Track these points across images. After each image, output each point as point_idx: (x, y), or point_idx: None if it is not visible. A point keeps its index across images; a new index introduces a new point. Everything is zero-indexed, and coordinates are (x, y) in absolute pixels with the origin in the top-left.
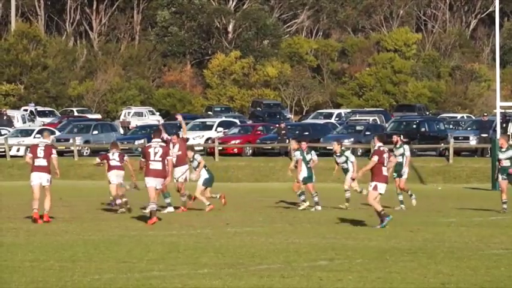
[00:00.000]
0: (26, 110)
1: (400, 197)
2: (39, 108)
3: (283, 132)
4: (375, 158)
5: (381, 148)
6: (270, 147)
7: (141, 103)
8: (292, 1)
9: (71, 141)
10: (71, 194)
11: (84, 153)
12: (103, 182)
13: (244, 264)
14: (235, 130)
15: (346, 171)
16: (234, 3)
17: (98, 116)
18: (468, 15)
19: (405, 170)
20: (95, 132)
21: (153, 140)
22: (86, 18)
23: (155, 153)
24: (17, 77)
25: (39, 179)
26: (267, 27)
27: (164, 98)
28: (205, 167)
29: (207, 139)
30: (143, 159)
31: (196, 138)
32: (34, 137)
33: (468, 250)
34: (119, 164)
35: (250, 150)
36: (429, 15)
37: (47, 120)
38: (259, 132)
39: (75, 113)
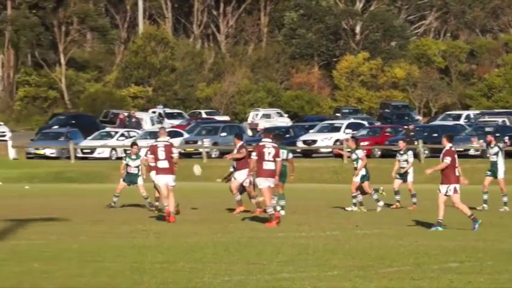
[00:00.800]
0: (154, 112)
1: (485, 196)
2: (168, 110)
3: (412, 134)
4: (448, 160)
5: (452, 148)
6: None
7: (269, 105)
8: (420, 2)
9: (199, 143)
10: (200, 196)
11: (213, 155)
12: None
13: (374, 267)
14: (363, 132)
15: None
16: (361, 5)
17: (226, 118)
18: None
19: (502, 170)
20: (223, 134)
21: (264, 140)
22: (213, 21)
23: (269, 153)
24: (145, 79)
25: (165, 179)
26: (395, 28)
27: (292, 100)
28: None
29: (336, 141)
30: (255, 158)
31: (325, 140)
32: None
33: None
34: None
35: (379, 152)
36: None
37: (176, 122)
38: (387, 134)
39: (204, 115)
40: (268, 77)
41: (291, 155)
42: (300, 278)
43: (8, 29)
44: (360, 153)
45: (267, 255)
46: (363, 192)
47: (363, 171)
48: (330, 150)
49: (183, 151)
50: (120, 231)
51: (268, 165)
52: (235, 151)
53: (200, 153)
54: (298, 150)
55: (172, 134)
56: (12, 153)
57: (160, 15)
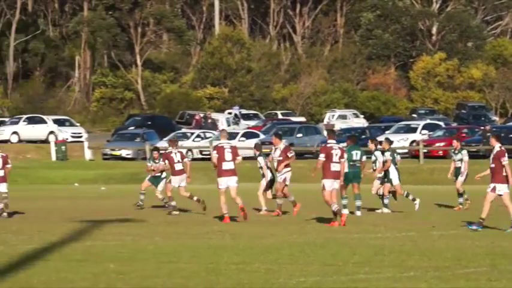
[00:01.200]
0: (230, 113)
1: None
2: (244, 111)
3: (489, 134)
4: (506, 159)
5: (502, 148)
6: (474, 150)
7: (345, 106)
8: (497, 3)
9: None
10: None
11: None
12: (309, 185)
13: (450, 268)
14: (439, 133)
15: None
16: (437, 6)
17: (302, 119)
18: None
19: None
20: (299, 135)
21: (330, 142)
22: (290, 21)
23: (336, 155)
24: (221, 81)
25: (228, 181)
26: (471, 29)
27: (368, 100)
28: (269, 168)
29: (412, 142)
30: (323, 159)
31: (401, 140)
32: (238, 140)
33: None
34: (181, 167)
35: None
36: None
37: (251, 123)
38: (464, 135)
39: (280, 116)
40: (345, 78)
41: (364, 157)
42: (376, 279)
43: (85, 30)
44: (385, 156)
45: (342, 256)
46: (389, 194)
47: (396, 175)
48: (406, 151)
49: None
50: (195, 232)
51: (335, 167)
52: (278, 152)
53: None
54: None
55: (248, 135)
56: (88, 154)
57: (237, 16)
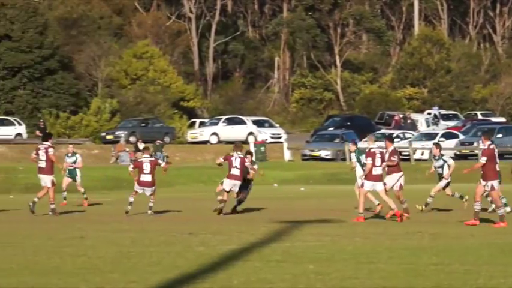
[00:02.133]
0: (429, 114)
1: None
2: (443, 112)
3: None
4: None
5: None
6: None
7: None
8: None
9: (475, 144)
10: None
11: None
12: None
13: None
14: None
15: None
16: None
17: (502, 120)
18: None
19: None
20: (499, 135)
21: (488, 143)
22: (490, 22)
23: (497, 157)
24: (420, 81)
25: (374, 186)
26: None
27: None
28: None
29: None
30: (484, 162)
31: None
32: (438, 141)
33: None
34: (237, 173)
35: None
36: None
37: (451, 123)
38: None
39: (479, 117)
40: None
41: None
42: None
43: (284, 31)
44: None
45: None
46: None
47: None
48: None
49: (458, 152)
50: (394, 233)
51: (497, 167)
52: (387, 155)
53: (476, 155)
54: None
55: (448, 136)
56: (287, 155)
57: (436, 16)
